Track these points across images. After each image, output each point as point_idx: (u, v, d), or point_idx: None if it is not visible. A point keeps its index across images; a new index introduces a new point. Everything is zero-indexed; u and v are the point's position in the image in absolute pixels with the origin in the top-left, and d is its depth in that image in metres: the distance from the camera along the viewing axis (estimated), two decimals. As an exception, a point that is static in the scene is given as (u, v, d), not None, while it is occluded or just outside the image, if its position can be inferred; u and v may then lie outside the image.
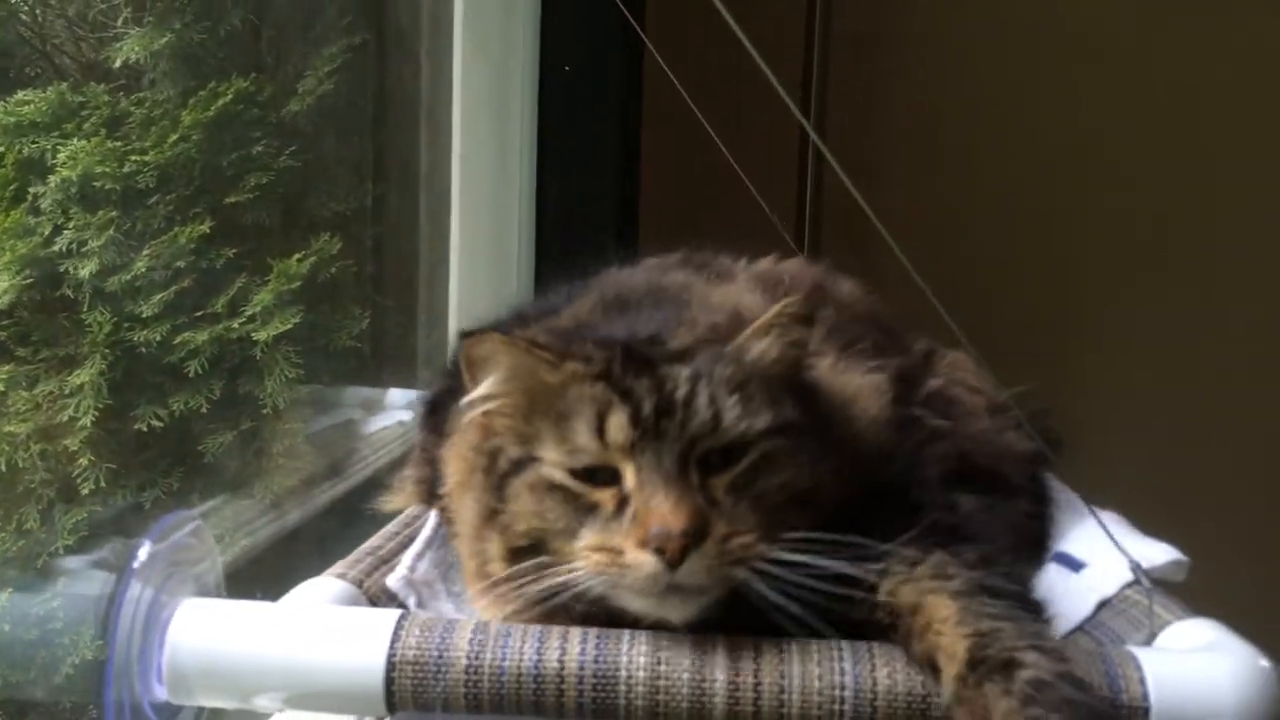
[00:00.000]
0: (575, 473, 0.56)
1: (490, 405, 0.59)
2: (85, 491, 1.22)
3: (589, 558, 0.53)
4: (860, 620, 0.53)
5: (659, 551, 0.52)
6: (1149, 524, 0.70)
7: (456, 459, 0.63)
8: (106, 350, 1.25)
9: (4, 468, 1.18)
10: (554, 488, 0.56)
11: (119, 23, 1.30)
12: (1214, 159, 2.32)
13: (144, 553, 0.50)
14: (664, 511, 0.53)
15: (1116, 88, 2.31)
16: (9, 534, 1.18)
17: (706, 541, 0.52)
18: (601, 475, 0.55)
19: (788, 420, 0.58)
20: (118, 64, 1.27)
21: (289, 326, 1.34)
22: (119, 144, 1.26)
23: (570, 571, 0.54)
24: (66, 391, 1.24)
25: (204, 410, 1.29)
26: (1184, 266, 2.38)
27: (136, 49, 1.28)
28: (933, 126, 2.30)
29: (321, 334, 1.44)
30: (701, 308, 0.68)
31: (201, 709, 0.55)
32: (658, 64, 1.11)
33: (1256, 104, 2.31)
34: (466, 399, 0.60)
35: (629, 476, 0.55)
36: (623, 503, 0.54)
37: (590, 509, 0.55)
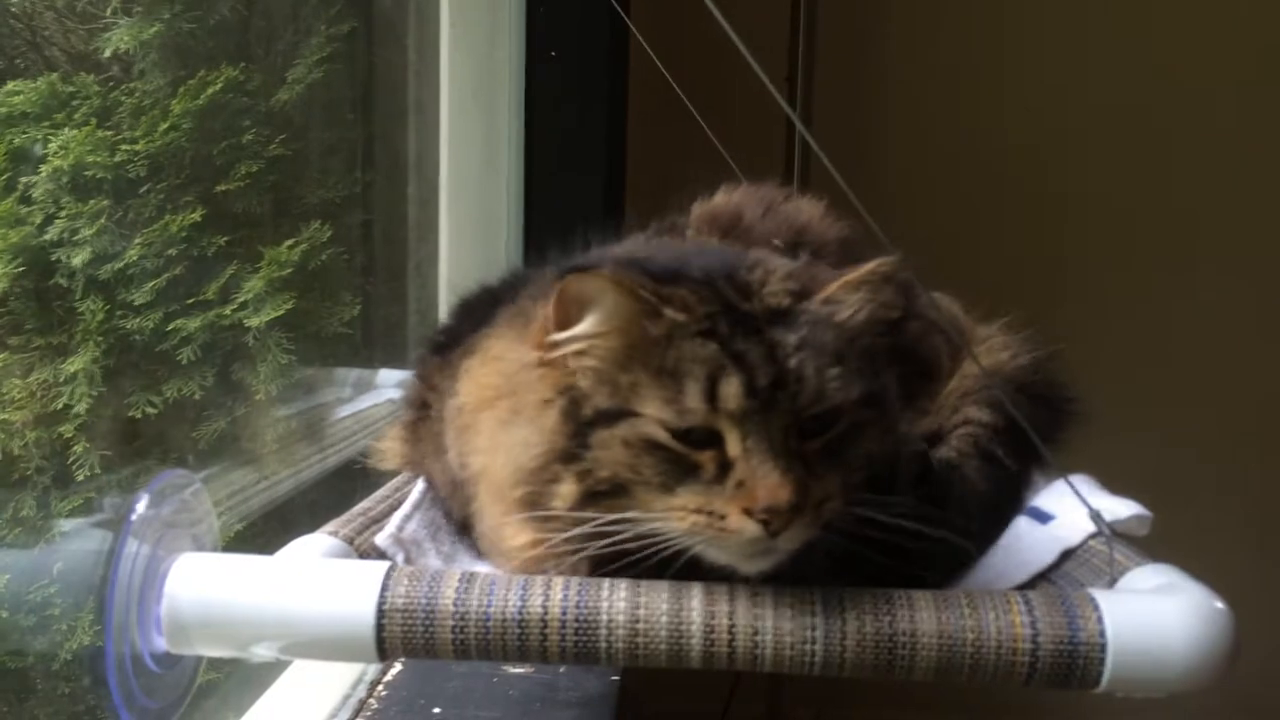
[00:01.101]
0: (677, 433, 0.56)
1: (581, 346, 0.58)
2: (80, 478, 1.23)
3: (686, 518, 0.55)
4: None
5: (764, 522, 0.54)
6: (1126, 486, 0.72)
7: (486, 383, 0.64)
8: (99, 338, 1.26)
9: (0, 455, 1.19)
10: (653, 446, 0.56)
11: (108, 13, 1.31)
12: (1191, 142, 2.35)
13: (141, 506, 0.52)
14: (773, 484, 0.54)
15: (1104, 67, 2.33)
16: (6, 520, 1.20)
17: (806, 510, 0.55)
18: (701, 436, 0.56)
19: (875, 390, 0.60)
20: (107, 54, 1.28)
21: (280, 313, 1.35)
22: (110, 133, 1.27)
23: (662, 524, 0.55)
24: (61, 379, 1.24)
25: (197, 397, 1.31)
26: (1163, 247, 2.41)
27: (126, 39, 1.28)
28: (921, 107, 2.33)
29: (313, 320, 1.45)
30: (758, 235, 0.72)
31: (201, 658, 0.56)
32: (644, 48, 1.13)
33: (1240, 83, 2.34)
34: (558, 336, 0.58)
35: (733, 443, 0.56)
36: (724, 467, 0.56)
37: (690, 470, 0.56)
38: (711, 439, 0.56)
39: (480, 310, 0.75)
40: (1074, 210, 2.38)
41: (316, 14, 1.47)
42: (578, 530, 0.56)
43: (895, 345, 0.69)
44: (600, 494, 0.57)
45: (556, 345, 0.59)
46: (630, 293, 0.57)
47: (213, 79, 1.32)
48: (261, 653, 0.54)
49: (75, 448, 1.22)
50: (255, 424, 1.41)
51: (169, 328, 1.28)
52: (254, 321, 1.33)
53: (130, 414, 1.26)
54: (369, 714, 0.85)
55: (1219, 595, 0.53)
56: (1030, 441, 0.72)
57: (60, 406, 1.22)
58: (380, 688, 0.88)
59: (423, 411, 0.76)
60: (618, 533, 0.55)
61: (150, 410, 1.28)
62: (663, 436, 0.56)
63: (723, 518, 0.54)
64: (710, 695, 2.43)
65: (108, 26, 1.27)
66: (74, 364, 1.23)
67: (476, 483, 0.65)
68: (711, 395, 0.55)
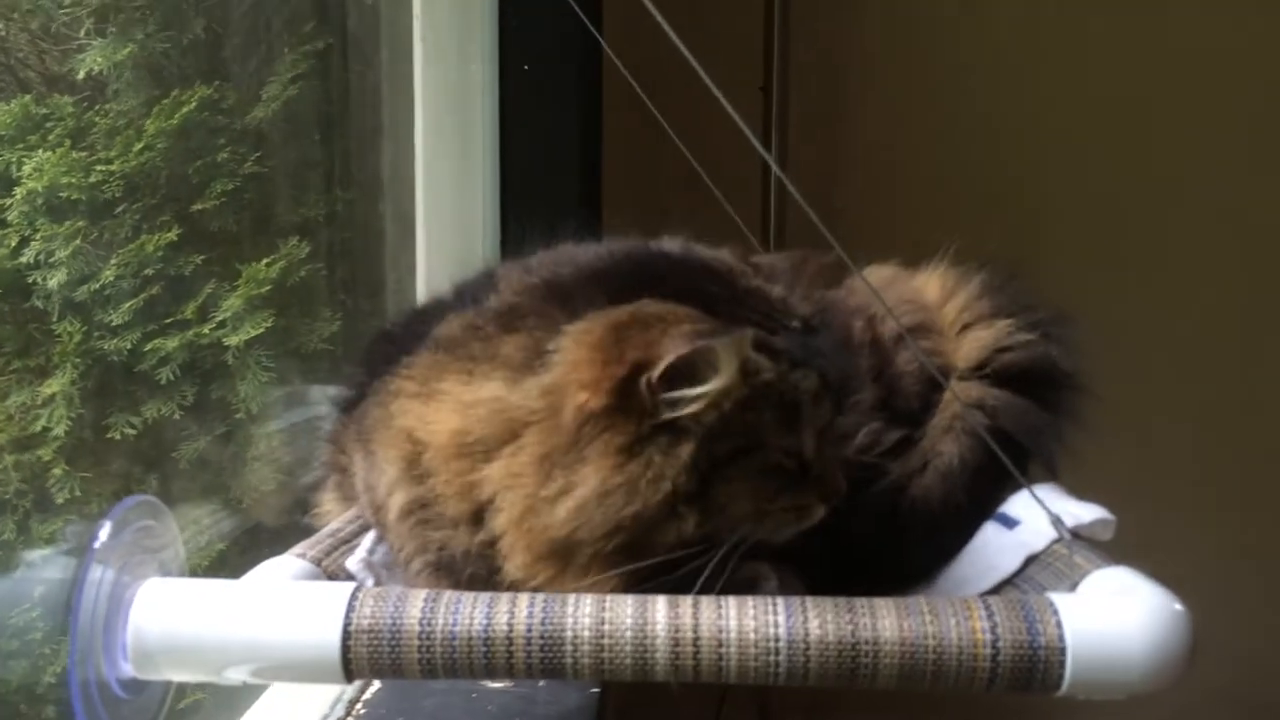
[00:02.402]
0: (791, 451, 0.64)
1: (706, 401, 0.61)
2: (60, 501, 1.23)
3: (780, 516, 0.64)
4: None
5: (828, 502, 0.65)
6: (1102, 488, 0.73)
7: (458, 428, 0.63)
8: (77, 360, 1.26)
9: (-22, 479, 1.19)
10: (774, 468, 0.64)
11: (81, 34, 1.31)
12: (1168, 137, 2.37)
13: (104, 533, 0.52)
14: (838, 475, 0.67)
15: (1087, 69, 2.35)
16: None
17: None
18: None
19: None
20: (81, 75, 1.28)
21: (259, 331, 1.35)
22: (84, 154, 1.27)
23: (754, 528, 0.63)
24: (39, 401, 1.24)
25: (177, 417, 1.30)
26: (1142, 243, 2.42)
27: (99, 60, 1.29)
28: (899, 112, 2.34)
29: (292, 338, 1.45)
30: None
31: (170, 683, 0.57)
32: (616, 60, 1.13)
33: (1217, 75, 2.35)
34: (678, 394, 0.60)
35: (809, 447, 0.65)
36: (803, 466, 0.65)
37: (787, 475, 0.65)
38: None
39: (384, 354, 0.74)
40: (1049, 212, 2.39)
41: (290, 31, 1.47)
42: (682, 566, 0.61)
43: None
44: (715, 522, 0.62)
45: (675, 403, 0.61)
46: (744, 354, 0.62)
47: (186, 98, 1.32)
48: (229, 676, 0.54)
49: (54, 470, 1.22)
50: (237, 443, 1.41)
51: (147, 348, 1.28)
52: (233, 340, 1.33)
53: (110, 435, 1.26)
54: (347, 733, 0.85)
55: (1178, 598, 0.53)
56: (1018, 459, 0.73)
57: (39, 429, 1.22)
58: (359, 706, 0.88)
59: (344, 475, 0.76)
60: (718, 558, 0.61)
61: (130, 431, 1.28)
62: (785, 458, 0.64)
63: (807, 507, 0.65)
64: (701, 700, 2.43)
65: (82, 48, 1.28)
66: (52, 386, 1.23)
67: (511, 546, 0.63)
68: (818, 435, 0.66)
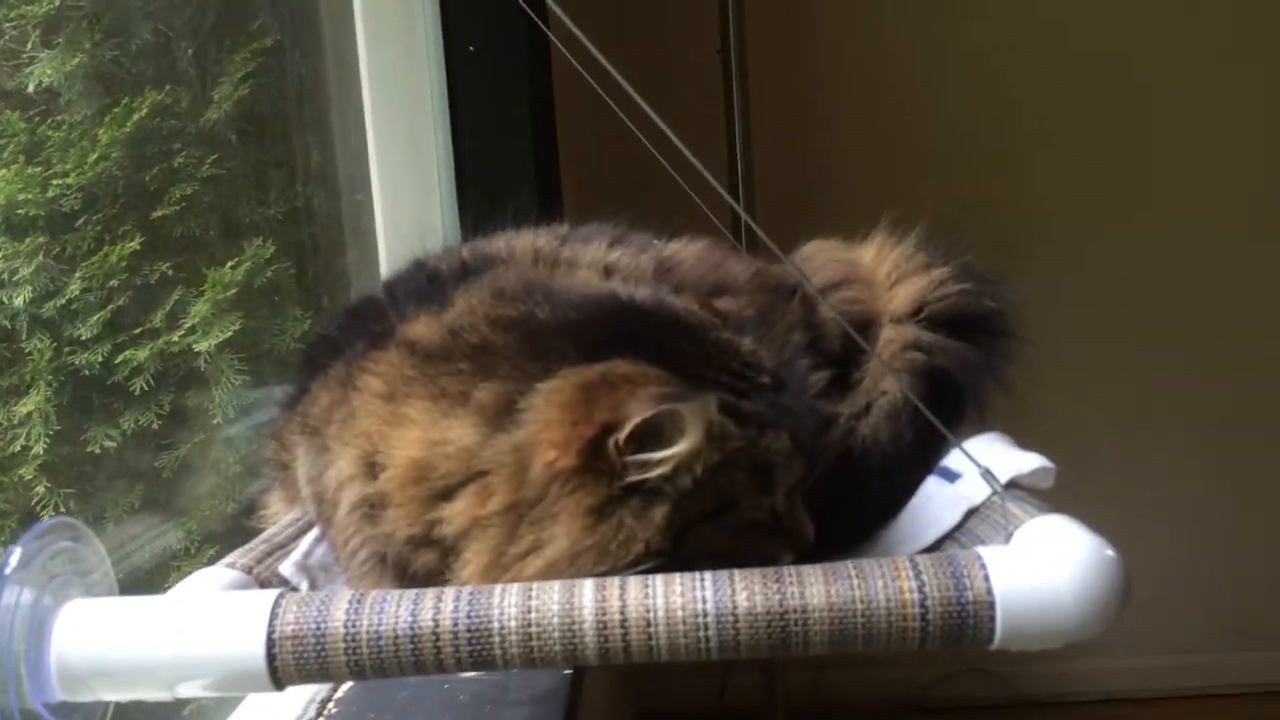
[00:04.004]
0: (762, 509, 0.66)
1: (674, 465, 0.62)
2: (47, 518, 1.23)
3: (748, 561, 0.61)
4: None
5: (796, 552, 0.66)
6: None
7: (420, 460, 0.64)
8: (49, 376, 1.25)
9: (-39, 504, 1.19)
10: (751, 524, 0.65)
11: (29, 47, 1.29)
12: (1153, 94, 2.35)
13: (15, 559, 0.52)
14: (808, 528, 0.68)
15: (1065, 19, 2.32)
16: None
17: None
18: None
19: None
20: (31, 88, 1.27)
21: (229, 334, 1.35)
22: (40, 169, 1.26)
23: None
24: (15, 421, 1.24)
25: (155, 426, 1.30)
26: (1122, 201, 2.41)
27: (49, 72, 1.27)
28: (861, 67, 2.31)
29: (264, 338, 1.45)
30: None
31: (106, 702, 0.56)
32: (564, 32, 1.11)
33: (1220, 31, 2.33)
34: (646, 457, 0.61)
35: (780, 500, 0.66)
36: (775, 519, 0.66)
37: (759, 527, 0.66)
38: None
39: (325, 356, 0.74)
40: (1016, 179, 2.38)
41: (237, 30, 1.46)
42: None
43: None
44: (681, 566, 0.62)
45: (642, 465, 0.61)
46: (709, 418, 0.62)
47: (138, 105, 1.30)
48: (160, 693, 0.54)
49: (37, 488, 1.22)
50: (216, 448, 1.41)
51: (118, 359, 1.27)
52: (203, 345, 1.33)
53: (90, 449, 1.26)
54: (320, 732, 0.85)
55: (1110, 543, 0.53)
56: (956, 400, 0.73)
57: (18, 449, 1.22)
58: (331, 705, 0.88)
59: (287, 472, 0.77)
60: None
61: (109, 444, 1.27)
62: (758, 513, 0.65)
63: (775, 557, 0.65)
64: (709, 665, 2.44)
65: (31, 60, 1.26)
66: (27, 404, 1.23)
67: None
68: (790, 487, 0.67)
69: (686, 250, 0.87)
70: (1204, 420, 2.50)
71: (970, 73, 2.29)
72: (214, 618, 0.54)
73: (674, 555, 0.61)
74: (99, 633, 0.53)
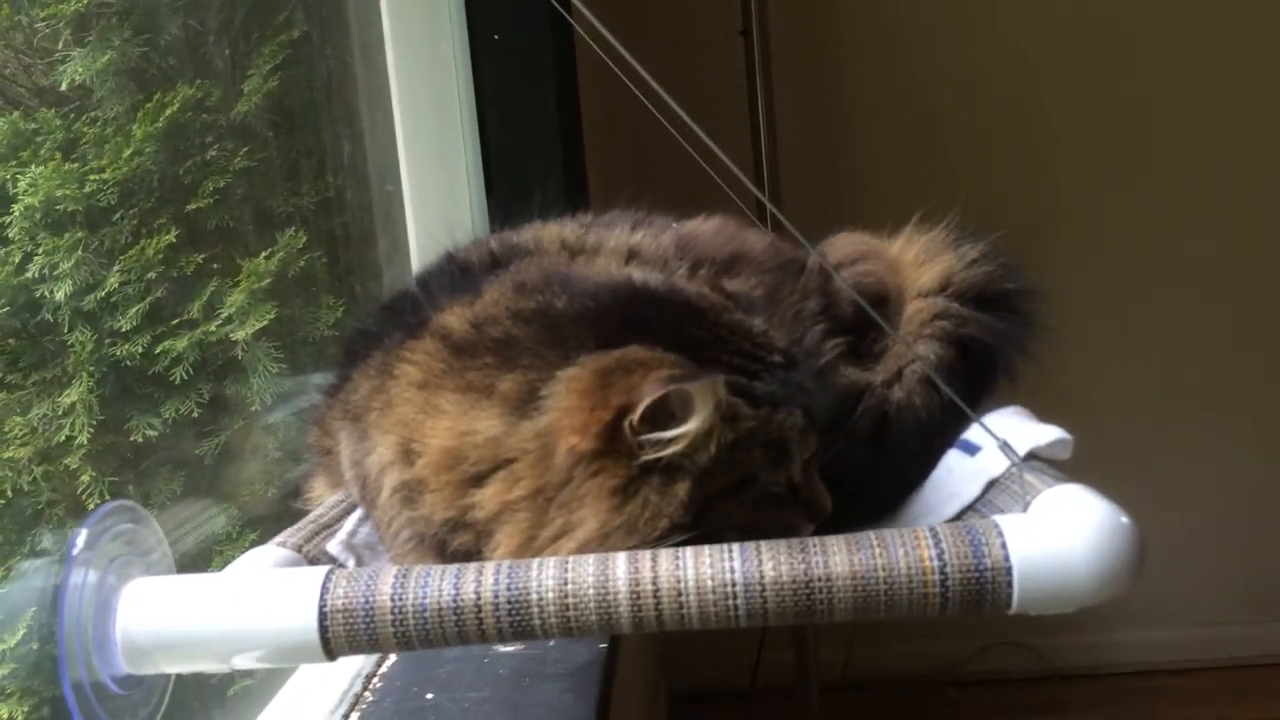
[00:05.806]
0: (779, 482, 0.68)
1: (689, 441, 0.64)
2: (92, 506, 1.26)
3: (769, 533, 0.63)
4: None
5: (815, 521, 0.69)
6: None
7: (450, 448, 0.67)
8: (91, 368, 1.29)
9: (10, 493, 1.22)
10: (769, 496, 0.67)
11: (60, 45, 1.32)
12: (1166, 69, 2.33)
13: (81, 541, 0.55)
14: (826, 498, 0.70)
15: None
16: (24, 555, 1.23)
17: None
18: None
19: None
20: (64, 86, 1.29)
21: (265, 323, 1.37)
22: (76, 165, 1.29)
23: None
24: (60, 412, 1.27)
25: (195, 414, 1.33)
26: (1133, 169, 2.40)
27: (81, 69, 1.30)
28: (884, 48, 2.31)
29: (299, 326, 1.48)
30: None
31: (167, 675, 0.59)
32: (587, 21, 1.13)
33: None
34: (658, 436, 0.64)
35: (797, 471, 0.69)
36: (792, 490, 0.69)
37: (777, 499, 0.68)
38: None
39: (363, 349, 0.77)
40: (1048, 151, 2.37)
41: (265, 23, 1.48)
42: None
43: None
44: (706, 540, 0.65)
45: (656, 443, 0.64)
46: (719, 396, 0.64)
47: (169, 99, 1.33)
48: (220, 664, 0.57)
49: (83, 477, 1.26)
50: (256, 434, 1.44)
51: (158, 350, 1.31)
52: (240, 334, 1.36)
53: (133, 438, 1.29)
54: (365, 706, 0.88)
55: (1125, 511, 0.54)
56: (986, 367, 0.75)
57: (63, 439, 1.25)
58: (375, 680, 0.92)
59: (330, 457, 0.80)
60: None
61: (151, 433, 1.31)
62: (775, 487, 0.68)
63: (795, 527, 0.68)
64: (742, 643, 2.47)
65: (65, 58, 1.29)
66: (70, 395, 1.26)
67: None
68: (806, 461, 0.69)
69: (705, 225, 0.90)
70: (1230, 395, 2.49)
71: (995, 53, 2.29)
72: (268, 593, 0.57)
73: (699, 529, 0.63)
74: (160, 609, 0.56)
